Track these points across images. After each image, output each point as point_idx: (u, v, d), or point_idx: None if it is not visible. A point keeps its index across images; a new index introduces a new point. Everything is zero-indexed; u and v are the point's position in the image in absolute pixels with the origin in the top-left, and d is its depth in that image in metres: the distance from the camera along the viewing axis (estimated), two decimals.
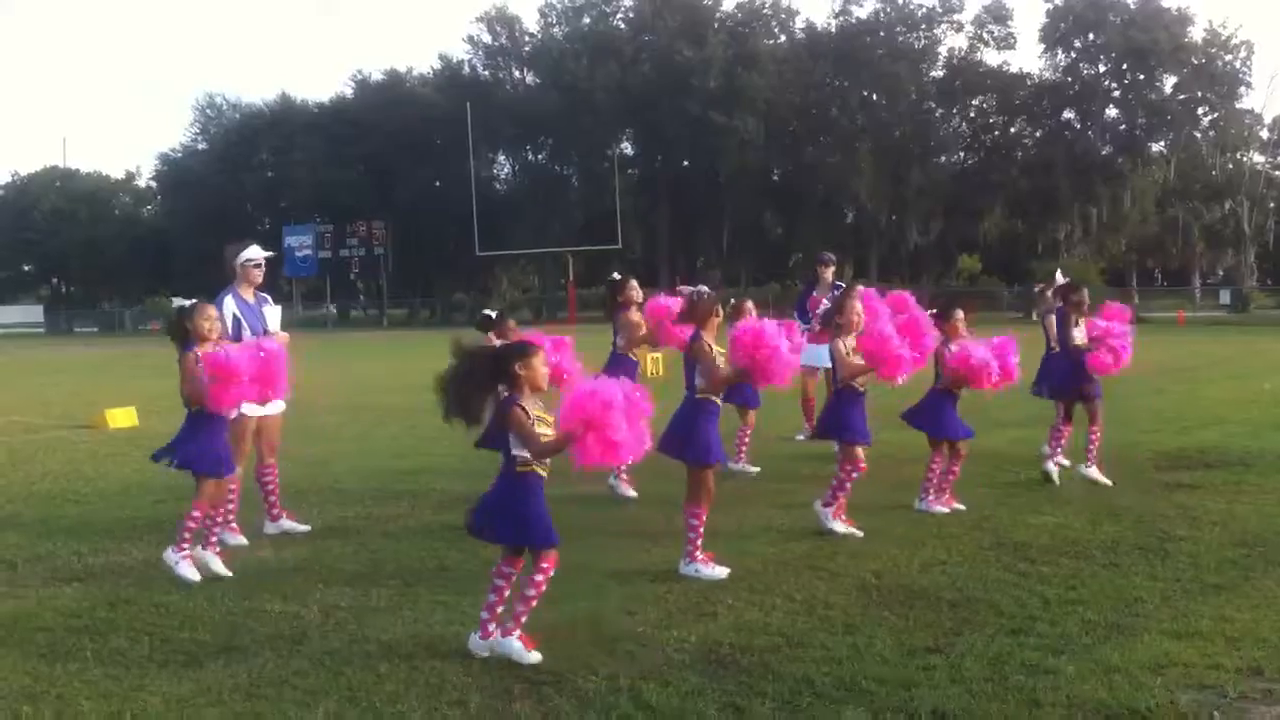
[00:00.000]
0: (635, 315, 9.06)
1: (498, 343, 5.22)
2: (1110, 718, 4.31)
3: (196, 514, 6.56)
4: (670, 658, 5.04)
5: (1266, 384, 17.25)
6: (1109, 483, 8.85)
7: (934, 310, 8.21)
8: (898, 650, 5.08)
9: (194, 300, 6.89)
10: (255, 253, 7.77)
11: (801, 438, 11.84)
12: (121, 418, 14.66)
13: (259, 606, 5.98)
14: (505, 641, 5.02)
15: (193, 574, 6.49)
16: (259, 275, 7.77)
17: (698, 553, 6.46)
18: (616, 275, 9.43)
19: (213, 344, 6.55)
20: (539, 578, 5.03)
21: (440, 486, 9.45)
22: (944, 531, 7.33)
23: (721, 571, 6.39)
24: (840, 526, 7.41)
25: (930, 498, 8.04)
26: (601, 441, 4.74)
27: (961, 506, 8.10)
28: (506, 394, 5.02)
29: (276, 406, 7.82)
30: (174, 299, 8.00)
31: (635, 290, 9.19)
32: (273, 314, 7.85)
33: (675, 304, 8.87)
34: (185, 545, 6.55)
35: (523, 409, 4.94)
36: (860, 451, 7.52)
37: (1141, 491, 8.71)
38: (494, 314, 8.38)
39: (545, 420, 4.99)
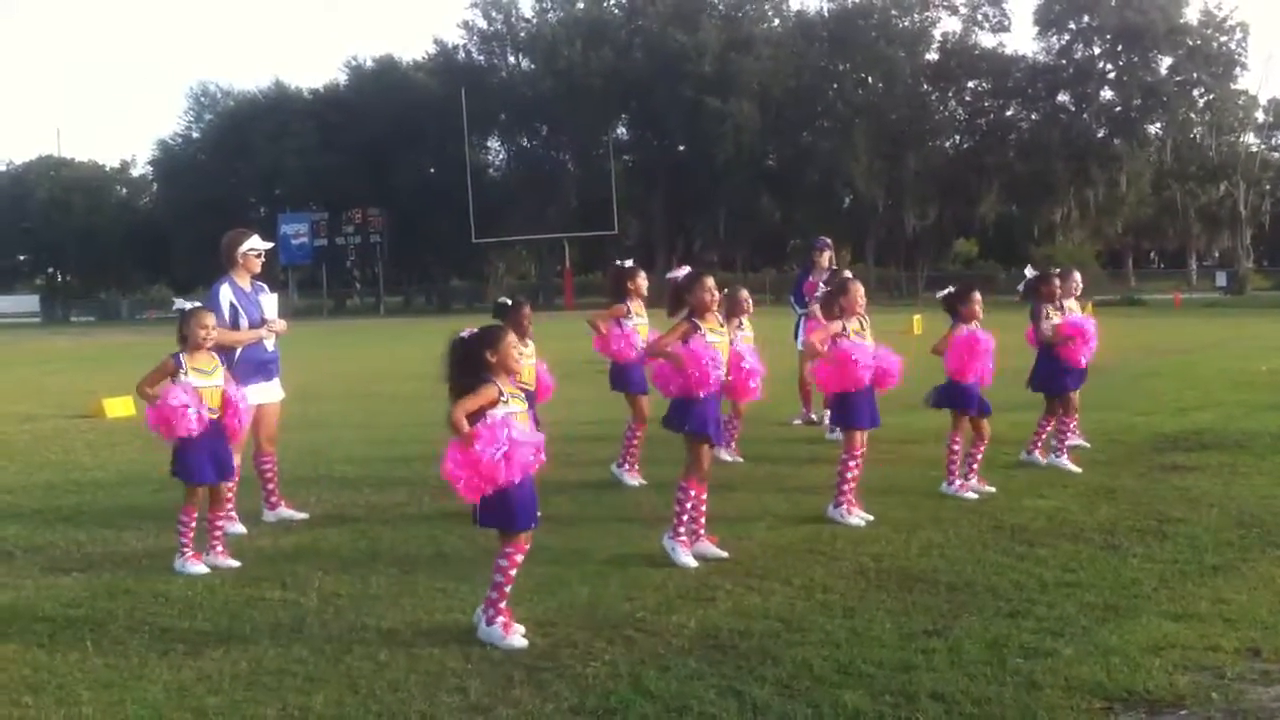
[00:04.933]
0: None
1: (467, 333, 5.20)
2: (1109, 699, 4.31)
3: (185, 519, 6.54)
4: (669, 643, 5.04)
5: (1264, 365, 17.26)
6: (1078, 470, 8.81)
7: (951, 292, 8.19)
8: (896, 634, 5.09)
9: (195, 304, 6.83)
10: (259, 243, 7.76)
11: (798, 422, 11.86)
12: (119, 407, 14.63)
13: (258, 595, 5.98)
14: (488, 630, 5.09)
15: (200, 568, 6.49)
16: (259, 265, 7.76)
17: (681, 529, 6.40)
18: (628, 261, 9.03)
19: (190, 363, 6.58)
20: (504, 563, 5.12)
21: (439, 474, 9.40)
22: (941, 515, 7.33)
23: (692, 561, 6.29)
24: (853, 518, 7.26)
25: (958, 481, 8.03)
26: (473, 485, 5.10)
27: (991, 488, 8.12)
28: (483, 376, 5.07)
29: (275, 395, 7.84)
30: (176, 300, 8.04)
31: (643, 280, 8.83)
32: (269, 302, 7.82)
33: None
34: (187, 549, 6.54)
35: (496, 386, 5.02)
36: (860, 438, 7.42)
37: (1138, 473, 8.72)
38: (509, 301, 8.05)
39: (518, 396, 5.16)
